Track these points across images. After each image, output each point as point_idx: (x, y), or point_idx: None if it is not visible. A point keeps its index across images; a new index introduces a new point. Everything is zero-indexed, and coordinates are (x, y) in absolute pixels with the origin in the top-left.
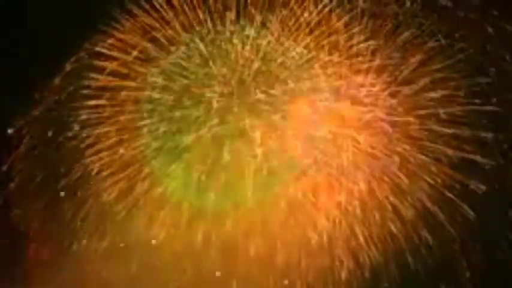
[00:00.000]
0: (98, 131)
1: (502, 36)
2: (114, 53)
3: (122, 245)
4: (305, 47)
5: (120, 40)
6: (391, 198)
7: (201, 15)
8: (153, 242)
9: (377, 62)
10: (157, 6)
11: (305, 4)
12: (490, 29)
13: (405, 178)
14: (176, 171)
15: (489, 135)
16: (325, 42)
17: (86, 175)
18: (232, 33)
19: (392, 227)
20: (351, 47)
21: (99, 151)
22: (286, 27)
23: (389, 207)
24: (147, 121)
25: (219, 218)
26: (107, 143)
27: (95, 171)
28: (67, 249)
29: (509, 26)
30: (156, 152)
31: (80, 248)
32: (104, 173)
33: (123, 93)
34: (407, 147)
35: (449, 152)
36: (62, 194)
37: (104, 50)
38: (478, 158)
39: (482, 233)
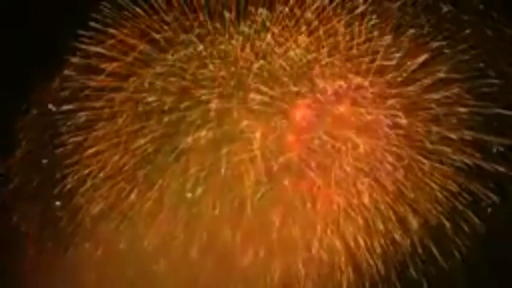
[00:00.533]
0: (95, 133)
1: (503, 38)
2: (113, 54)
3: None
4: (305, 48)
5: (119, 41)
6: (392, 204)
7: (200, 17)
8: (149, 247)
9: (378, 63)
10: (157, 7)
11: (305, 5)
12: (489, 32)
13: (407, 182)
14: (173, 174)
15: (494, 139)
16: (325, 43)
17: (82, 178)
18: (231, 34)
19: (395, 235)
20: (351, 48)
21: (96, 154)
22: (286, 28)
23: (391, 214)
24: (145, 123)
25: (217, 223)
26: (104, 146)
27: (93, 174)
28: (63, 253)
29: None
30: (153, 155)
31: (75, 253)
32: (101, 176)
33: (121, 95)
34: (408, 150)
35: (455, 157)
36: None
37: (103, 51)
38: (484, 164)
39: (490, 244)
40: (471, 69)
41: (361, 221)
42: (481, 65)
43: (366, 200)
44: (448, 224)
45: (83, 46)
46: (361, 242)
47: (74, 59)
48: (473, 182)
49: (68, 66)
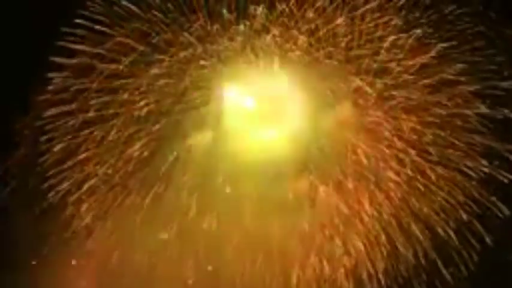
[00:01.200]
0: (90, 137)
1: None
2: (113, 56)
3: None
4: (306, 49)
5: (118, 43)
6: (395, 211)
7: (201, 18)
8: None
9: (379, 64)
10: (157, 8)
11: (305, 6)
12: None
13: (410, 189)
14: (170, 180)
15: (501, 146)
16: (326, 44)
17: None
18: (232, 35)
19: (397, 244)
20: (351, 48)
21: (91, 158)
22: (286, 29)
23: (393, 221)
24: (141, 126)
25: (212, 230)
26: (99, 150)
27: (88, 178)
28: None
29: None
30: (150, 159)
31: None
32: (95, 182)
33: (120, 97)
34: (412, 155)
35: (461, 163)
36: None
37: (103, 52)
38: (493, 172)
39: (498, 258)
40: (477, 71)
41: (362, 229)
42: (487, 67)
43: (367, 206)
44: (453, 235)
45: (81, 47)
46: (362, 251)
47: (72, 61)
48: (482, 191)
49: (65, 68)
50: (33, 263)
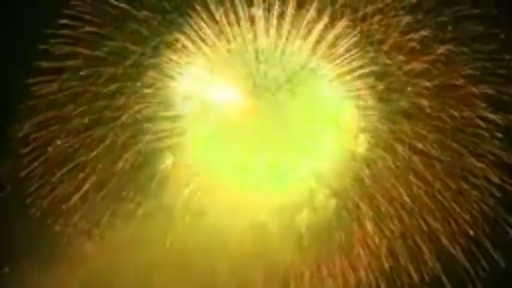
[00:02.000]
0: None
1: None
2: (113, 58)
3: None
4: (307, 52)
5: (119, 45)
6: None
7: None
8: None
9: (380, 65)
10: (157, 11)
11: (306, 7)
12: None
13: (414, 201)
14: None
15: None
16: (326, 46)
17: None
18: (233, 36)
19: (401, 258)
20: (352, 51)
21: (86, 164)
22: (287, 32)
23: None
24: (139, 130)
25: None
26: (95, 154)
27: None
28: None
29: None
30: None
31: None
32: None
33: (119, 100)
34: (417, 163)
35: (471, 175)
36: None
37: (103, 55)
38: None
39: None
40: (484, 74)
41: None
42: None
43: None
44: (460, 252)
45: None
46: (365, 264)
47: (70, 62)
48: (492, 205)
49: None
50: (28, 267)
